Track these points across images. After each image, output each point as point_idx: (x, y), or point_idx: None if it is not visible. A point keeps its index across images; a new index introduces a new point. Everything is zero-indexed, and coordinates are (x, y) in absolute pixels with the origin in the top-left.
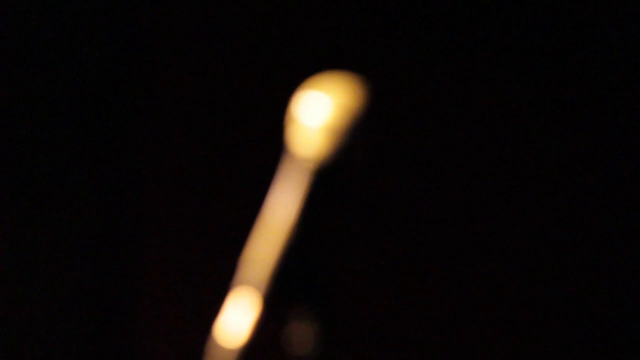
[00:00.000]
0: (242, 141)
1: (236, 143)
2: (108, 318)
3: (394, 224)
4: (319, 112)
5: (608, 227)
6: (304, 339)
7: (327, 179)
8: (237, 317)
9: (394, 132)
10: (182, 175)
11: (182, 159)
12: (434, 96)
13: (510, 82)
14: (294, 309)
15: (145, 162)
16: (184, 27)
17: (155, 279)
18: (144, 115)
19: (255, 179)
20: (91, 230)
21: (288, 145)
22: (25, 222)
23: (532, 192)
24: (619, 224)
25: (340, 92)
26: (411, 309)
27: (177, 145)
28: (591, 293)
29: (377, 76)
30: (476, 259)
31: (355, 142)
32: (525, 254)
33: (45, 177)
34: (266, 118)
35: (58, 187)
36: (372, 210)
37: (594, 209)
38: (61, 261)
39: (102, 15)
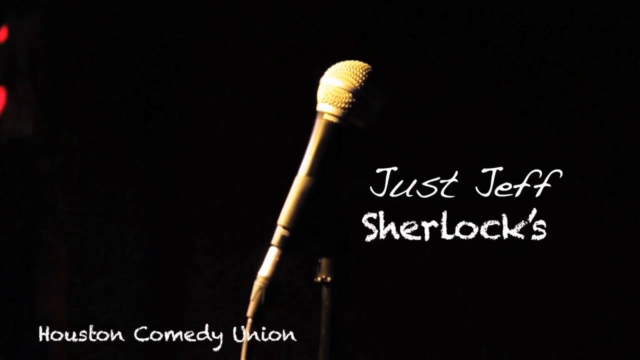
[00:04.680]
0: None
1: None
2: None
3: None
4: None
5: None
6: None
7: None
8: (271, 259)
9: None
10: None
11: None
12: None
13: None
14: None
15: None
16: (245, 40)
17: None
18: (195, 121)
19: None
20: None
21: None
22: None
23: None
24: (619, 224)
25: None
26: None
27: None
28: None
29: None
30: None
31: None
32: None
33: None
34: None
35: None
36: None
37: (594, 209)
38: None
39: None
